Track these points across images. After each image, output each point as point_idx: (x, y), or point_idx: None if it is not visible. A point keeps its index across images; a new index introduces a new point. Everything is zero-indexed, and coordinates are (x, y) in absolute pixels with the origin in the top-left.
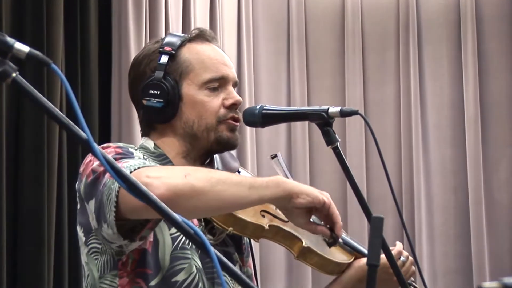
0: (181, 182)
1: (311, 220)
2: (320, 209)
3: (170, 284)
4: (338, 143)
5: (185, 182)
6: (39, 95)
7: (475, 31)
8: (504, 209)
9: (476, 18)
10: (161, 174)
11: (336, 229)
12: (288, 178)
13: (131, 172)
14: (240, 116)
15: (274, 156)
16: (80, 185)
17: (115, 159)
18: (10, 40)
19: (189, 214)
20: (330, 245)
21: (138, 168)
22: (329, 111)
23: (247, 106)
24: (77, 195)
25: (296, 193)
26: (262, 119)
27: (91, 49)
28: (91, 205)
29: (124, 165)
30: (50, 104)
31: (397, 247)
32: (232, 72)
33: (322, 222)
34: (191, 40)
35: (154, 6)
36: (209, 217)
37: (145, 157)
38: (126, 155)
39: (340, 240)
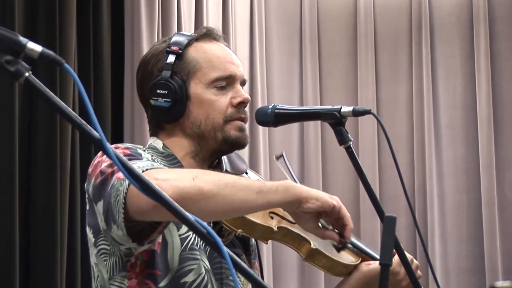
0: (189, 185)
1: (319, 224)
2: (329, 213)
3: (179, 285)
4: (351, 143)
5: (192, 184)
6: (51, 94)
7: (488, 31)
8: None
9: (488, 17)
10: (168, 177)
11: (346, 232)
12: (293, 177)
13: None
14: (248, 116)
15: (279, 157)
16: (89, 186)
17: None
18: (23, 39)
19: (197, 217)
20: (339, 249)
21: (146, 169)
22: (342, 110)
23: (259, 106)
24: (86, 196)
25: (306, 198)
26: (275, 118)
27: (103, 49)
28: (99, 207)
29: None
30: (63, 103)
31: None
32: (239, 71)
33: (331, 227)
34: (198, 39)
35: (167, 5)
36: (217, 220)
37: (153, 158)
38: (134, 156)
39: (349, 245)
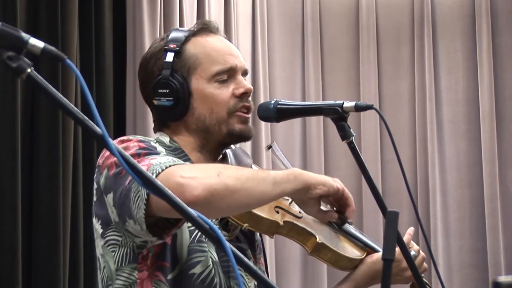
0: (216, 182)
1: (321, 208)
2: (333, 196)
3: (187, 276)
4: (353, 138)
5: (219, 181)
6: (54, 90)
7: (490, 25)
8: None
9: (491, 12)
10: (195, 174)
11: (348, 212)
12: (287, 166)
13: (162, 171)
14: (252, 105)
15: (269, 147)
16: (100, 178)
17: (140, 154)
18: (25, 35)
19: (223, 212)
20: (338, 225)
21: (170, 166)
22: (344, 105)
23: (262, 101)
24: (95, 186)
25: (313, 184)
26: (277, 114)
27: (105, 44)
28: (109, 198)
29: (153, 162)
30: (65, 99)
31: (405, 238)
32: (240, 61)
33: (328, 207)
34: (195, 33)
35: (169, 1)
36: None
37: (166, 152)
38: (151, 150)
39: (349, 220)
